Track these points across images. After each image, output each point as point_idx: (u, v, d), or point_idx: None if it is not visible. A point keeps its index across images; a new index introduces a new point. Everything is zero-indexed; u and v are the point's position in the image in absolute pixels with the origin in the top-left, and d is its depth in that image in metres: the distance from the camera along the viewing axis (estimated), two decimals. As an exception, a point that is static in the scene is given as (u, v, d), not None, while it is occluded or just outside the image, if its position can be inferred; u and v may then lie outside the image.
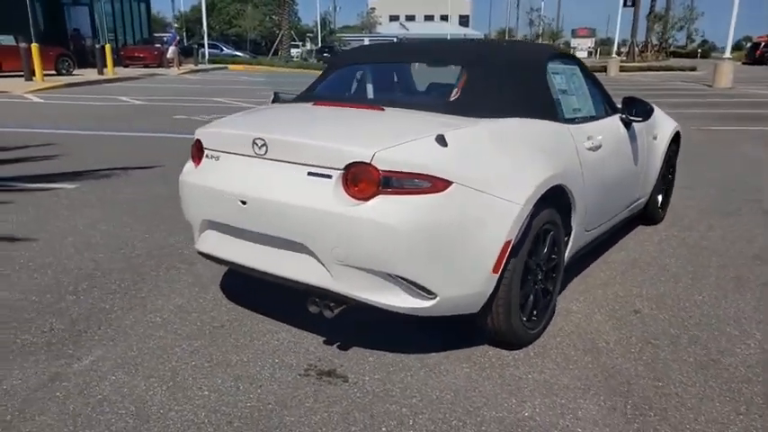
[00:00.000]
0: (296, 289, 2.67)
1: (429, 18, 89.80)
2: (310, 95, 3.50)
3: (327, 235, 2.45)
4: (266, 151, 2.60)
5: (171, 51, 28.11)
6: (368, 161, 2.37)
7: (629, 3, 33.39)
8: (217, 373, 2.68)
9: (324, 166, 2.46)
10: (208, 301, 3.46)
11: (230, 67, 32.53)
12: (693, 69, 33.33)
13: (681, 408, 2.43)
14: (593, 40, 74.22)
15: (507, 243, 2.52)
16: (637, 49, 47.43)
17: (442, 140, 2.47)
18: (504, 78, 3.08)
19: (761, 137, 10.01)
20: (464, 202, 2.42)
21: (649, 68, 33.90)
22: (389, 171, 2.35)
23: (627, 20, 43.98)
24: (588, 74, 3.76)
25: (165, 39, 31.27)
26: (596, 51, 71.62)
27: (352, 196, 2.40)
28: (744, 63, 42.33)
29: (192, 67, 29.96)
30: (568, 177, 2.93)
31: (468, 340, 2.95)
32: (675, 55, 53.44)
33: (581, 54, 68.45)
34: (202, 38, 36.26)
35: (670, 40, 50.10)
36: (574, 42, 70.31)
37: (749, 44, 49.03)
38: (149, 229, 4.75)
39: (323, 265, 2.54)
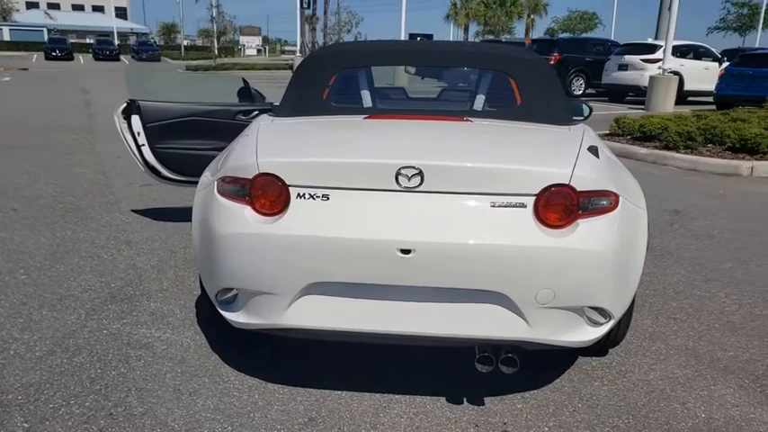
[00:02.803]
0: (446, 347, 2.32)
1: (78, 8, 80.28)
2: (351, 108, 3.01)
3: (533, 276, 2.07)
4: (421, 182, 2.07)
5: None
6: (566, 182, 2.09)
7: (305, 4, 35.43)
8: None
9: (515, 193, 2.09)
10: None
11: None
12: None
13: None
14: (260, 37, 76.69)
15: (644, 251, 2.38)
16: (307, 48, 50.69)
17: (596, 152, 2.35)
18: (547, 83, 2.95)
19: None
20: (629, 216, 2.25)
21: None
22: (585, 192, 2.11)
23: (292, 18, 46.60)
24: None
25: None
26: (265, 49, 74.21)
27: (551, 225, 2.09)
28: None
29: None
30: None
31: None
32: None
33: (251, 51, 70.15)
34: None
35: (340, 42, 54.86)
36: (243, 40, 71.34)
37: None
38: None
39: (518, 312, 2.12)
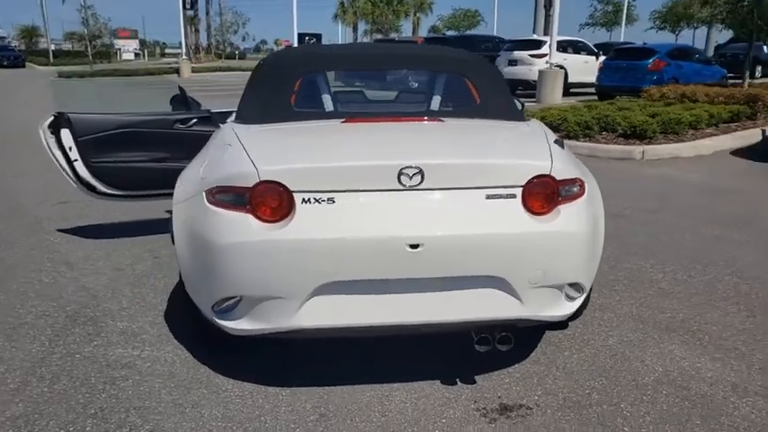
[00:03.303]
0: (447, 332, 2.44)
1: None
2: (319, 113, 3.07)
3: (527, 259, 2.27)
4: (421, 180, 2.19)
5: None
6: (548, 173, 2.30)
7: (187, 5, 34.21)
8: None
9: (505, 185, 2.26)
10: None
11: None
12: (255, 69, 37.05)
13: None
14: (137, 41, 72.84)
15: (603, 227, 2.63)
16: (191, 51, 48.92)
17: (561, 145, 2.60)
18: (497, 83, 3.20)
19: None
20: (593, 197, 2.52)
21: (219, 69, 35.76)
22: (562, 180, 2.34)
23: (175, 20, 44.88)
24: None
25: None
26: (143, 53, 70.56)
27: (536, 213, 2.29)
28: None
29: None
30: None
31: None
32: (229, 57, 57.11)
33: (128, 56, 66.46)
34: None
35: (226, 43, 53.46)
36: (118, 44, 67.45)
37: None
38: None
39: (513, 293, 2.31)
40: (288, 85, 3.03)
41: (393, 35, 42.67)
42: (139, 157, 4.18)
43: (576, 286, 2.48)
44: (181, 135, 4.21)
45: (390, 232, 2.18)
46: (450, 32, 46.95)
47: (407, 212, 2.22)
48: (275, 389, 2.54)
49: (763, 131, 9.26)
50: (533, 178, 2.30)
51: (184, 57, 34.36)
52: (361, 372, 2.66)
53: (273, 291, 2.23)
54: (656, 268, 3.95)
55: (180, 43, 35.34)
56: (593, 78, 15.70)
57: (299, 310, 2.25)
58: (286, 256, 2.18)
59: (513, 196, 2.28)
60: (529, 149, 2.56)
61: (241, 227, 2.23)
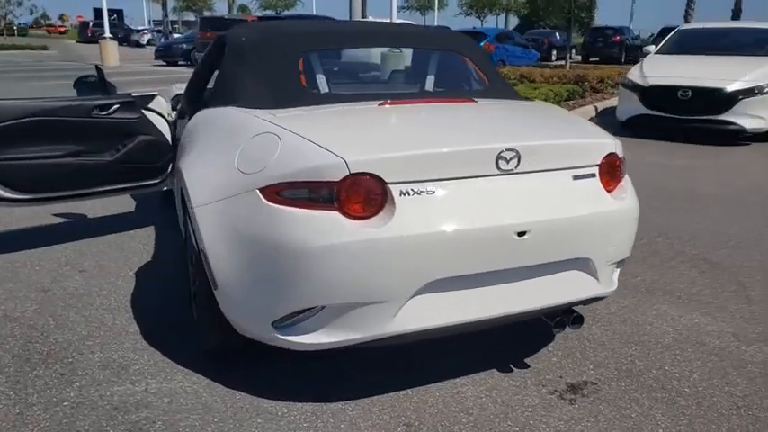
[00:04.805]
0: (526, 320, 2.37)
1: None
2: (342, 96, 2.70)
3: (609, 238, 2.31)
4: (518, 164, 2.10)
5: None
6: (614, 150, 2.35)
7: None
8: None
9: (586, 165, 2.26)
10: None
11: None
12: (45, 48, 32.97)
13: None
14: None
15: None
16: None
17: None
18: (490, 62, 3.29)
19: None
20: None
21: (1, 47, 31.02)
22: (622, 158, 2.40)
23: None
24: None
25: None
26: None
27: (608, 191, 2.32)
28: (78, 42, 43.74)
29: None
30: None
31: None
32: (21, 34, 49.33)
33: None
34: None
35: (10, 17, 45.94)
36: None
37: (79, 24, 50.31)
38: None
39: (594, 273, 2.33)
40: (291, 67, 2.70)
41: (206, 13, 40.38)
42: (50, 151, 3.43)
43: (622, 261, 2.57)
44: (100, 124, 3.54)
45: (498, 221, 2.06)
46: (269, 12, 45.66)
47: (510, 198, 2.11)
48: (336, 404, 2.28)
49: (596, 108, 10.49)
50: (606, 156, 2.32)
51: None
52: (407, 372, 2.50)
53: (371, 295, 1.98)
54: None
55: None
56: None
57: (398, 314, 2.03)
58: (389, 255, 1.94)
59: (594, 176, 2.29)
60: (587, 129, 2.58)
61: (329, 227, 1.93)
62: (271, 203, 1.99)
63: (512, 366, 2.56)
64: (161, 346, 2.67)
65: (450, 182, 2.04)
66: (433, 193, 2.01)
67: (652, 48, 10.05)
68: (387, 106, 2.54)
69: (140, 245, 3.92)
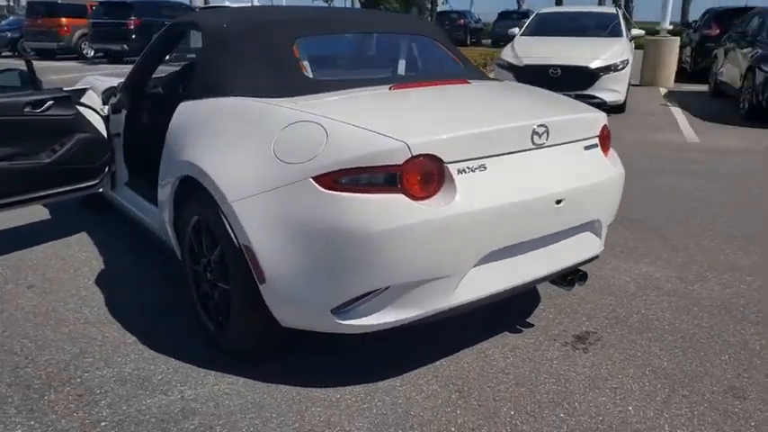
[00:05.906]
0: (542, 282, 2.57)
1: None
2: (346, 81, 2.70)
3: (612, 201, 2.62)
4: (547, 138, 2.29)
5: None
6: (606, 123, 2.62)
7: None
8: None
9: (592, 136, 2.53)
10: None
11: None
12: None
13: None
14: None
15: None
16: None
17: None
18: (452, 45, 3.44)
19: None
20: None
21: None
22: (610, 130, 2.69)
23: None
24: None
25: None
26: None
27: (606, 157, 2.61)
28: None
29: None
30: None
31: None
32: None
33: None
34: None
35: None
36: None
37: None
38: None
39: (599, 233, 2.63)
40: (289, 55, 2.65)
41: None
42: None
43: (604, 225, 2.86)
44: (34, 122, 3.19)
45: (541, 192, 2.24)
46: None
47: (545, 170, 2.30)
48: (383, 383, 2.33)
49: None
50: (602, 128, 2.60)
51: None
52: (428, 347, 2.60)
53: (436, 272, 2.06)
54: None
55: None
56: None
57: (458, 287, 2.14)
58: (453, 232, 2.03)
59: (596, 146, 2.56)
60: (580, 105, 2.80)
61: (394, 209, 1.97)
62: (328, 191, 1.99)
63: (519, 327, 2.78)
64: (172, 353, 2.52)
65: (495, 158, 2.17)
66: (485, 169, 2.14)
67: (516, 30, 10.85)
68: (399, 90, 2.60)
69: (82, 253, 3.59)
